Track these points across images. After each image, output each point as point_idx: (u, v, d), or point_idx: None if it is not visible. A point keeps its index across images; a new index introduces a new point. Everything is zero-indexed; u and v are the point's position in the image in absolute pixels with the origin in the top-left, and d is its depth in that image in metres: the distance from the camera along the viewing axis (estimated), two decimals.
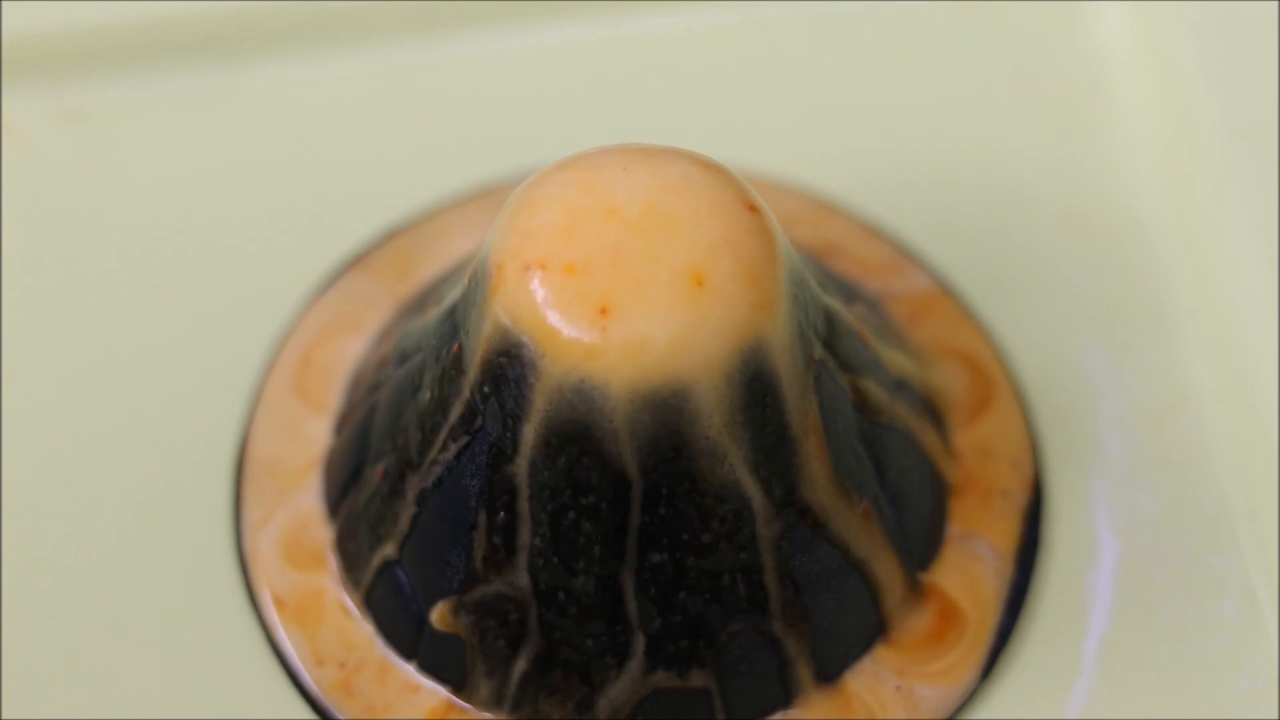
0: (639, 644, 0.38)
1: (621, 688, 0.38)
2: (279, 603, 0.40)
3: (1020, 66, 0.47)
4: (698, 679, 0.38)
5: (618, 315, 0.35)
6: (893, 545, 0.39)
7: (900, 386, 0.41)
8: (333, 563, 0.41)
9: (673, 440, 0.35)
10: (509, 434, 0.36)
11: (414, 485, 0.38)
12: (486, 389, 0.36)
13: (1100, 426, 0.42)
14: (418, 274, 0.44)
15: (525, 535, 0.37)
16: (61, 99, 0.47)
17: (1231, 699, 0.40)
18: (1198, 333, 0.43)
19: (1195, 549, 0.41)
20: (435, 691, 0.39)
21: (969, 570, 0.40)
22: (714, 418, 0.35)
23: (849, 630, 0.39)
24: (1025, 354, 0.43)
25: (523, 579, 0.37)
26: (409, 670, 0.39)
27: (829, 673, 0.39)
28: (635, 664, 0.38)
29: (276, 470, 0.42)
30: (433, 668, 0.39)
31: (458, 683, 0.39)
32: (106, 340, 0.44)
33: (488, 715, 0.39)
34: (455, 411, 0.37)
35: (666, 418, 0.35)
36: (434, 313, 0.39)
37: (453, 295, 0.38)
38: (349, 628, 0.40)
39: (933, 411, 0.42)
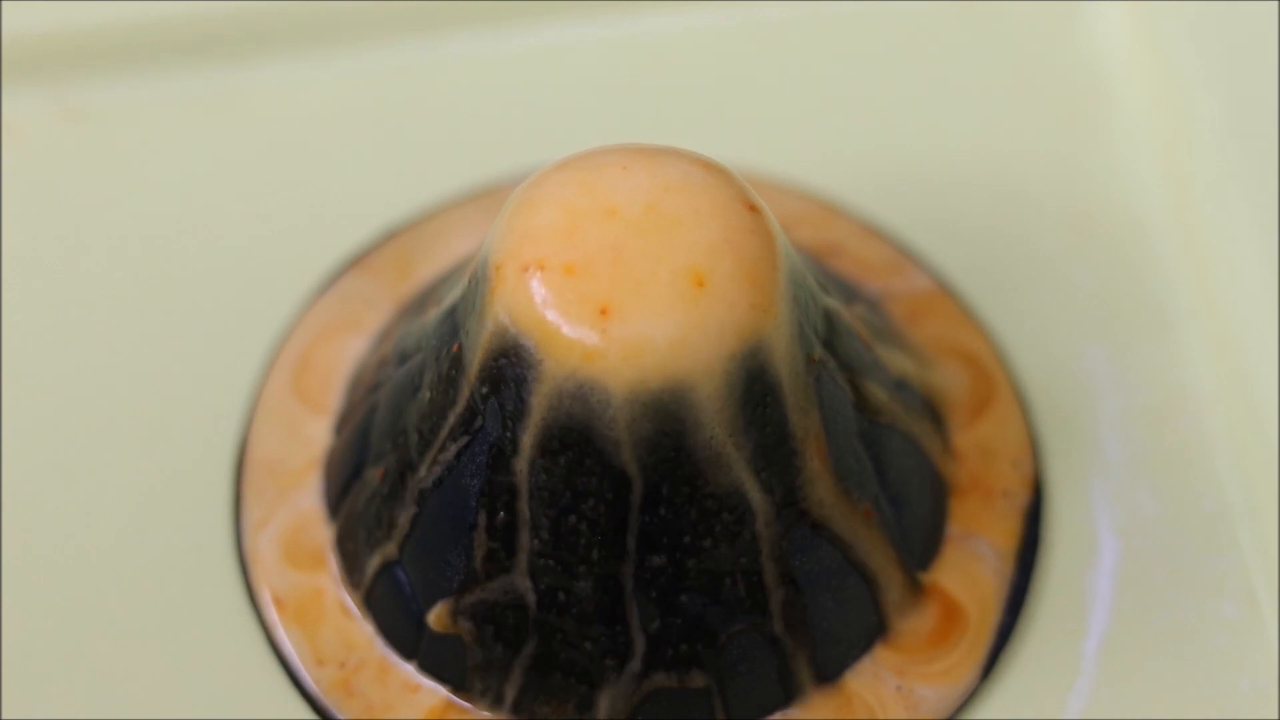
0: (639, 644, 0.38)
1: (621, 688, 0.38)
2: (279, 603, 0.40)
3: (1020, 66, 0.47)
4: (698, 679, 0.38)
5: (618, 316, 0.35)
6: (893, 545, 0.39)
7: (900, 386, 0.41)
8: (333, 563, 0.41)
9: (673, 441, 0.35)
10: (509, 434, 0.36)
11: (414, 485, 0.38)
12: (486, 389, 0.36)
13: (1100, 426, 0.42)
14: (418, 274, 0.44)
15: (525, 535, 0.37)
16: (61, 99, 0.47)
17: (1231, 699, 0.40)
18: (1198, 333, 0.43)
19: (1195, 549, 0.41)
20: (435, 691, 0.39)
21: (969, 570, 0.40)
22: (714, 418, 0.35)
23: (849, 630, 0.39)
24: (1025, 354, 0.43)
25: (523, 579, 0.37)
26: (409, 670, 0.39)
27: (829, 673, 0.39)
28: (635, 664, 0.38)
29: (276, 470, 0.42)
30: (432, 668, 0.39)
31: (457, 683, 0.39)
32: (106, 340, 0.44)
33: (487, 715, 0.39)
34: (455, 412, 0.37)
35: (666, 418, 0.35)
36: (434, 313, 0.39)
37: (453, 295, 0.38)
38: (349, 628, 0.40)
39: (933, 411, 0.42)
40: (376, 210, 0.45)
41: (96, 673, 0.40)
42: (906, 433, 0.40)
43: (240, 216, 0.45)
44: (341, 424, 0.42)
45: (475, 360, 0.36)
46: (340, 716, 0.39)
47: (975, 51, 0.48)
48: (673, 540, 0.36)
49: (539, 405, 0.35)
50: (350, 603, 0.40)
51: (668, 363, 0.35)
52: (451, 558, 0.38)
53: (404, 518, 0.38)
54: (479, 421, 0.37)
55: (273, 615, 0.40)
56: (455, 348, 0.37)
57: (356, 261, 0.44)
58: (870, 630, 0.39)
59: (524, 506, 0.37)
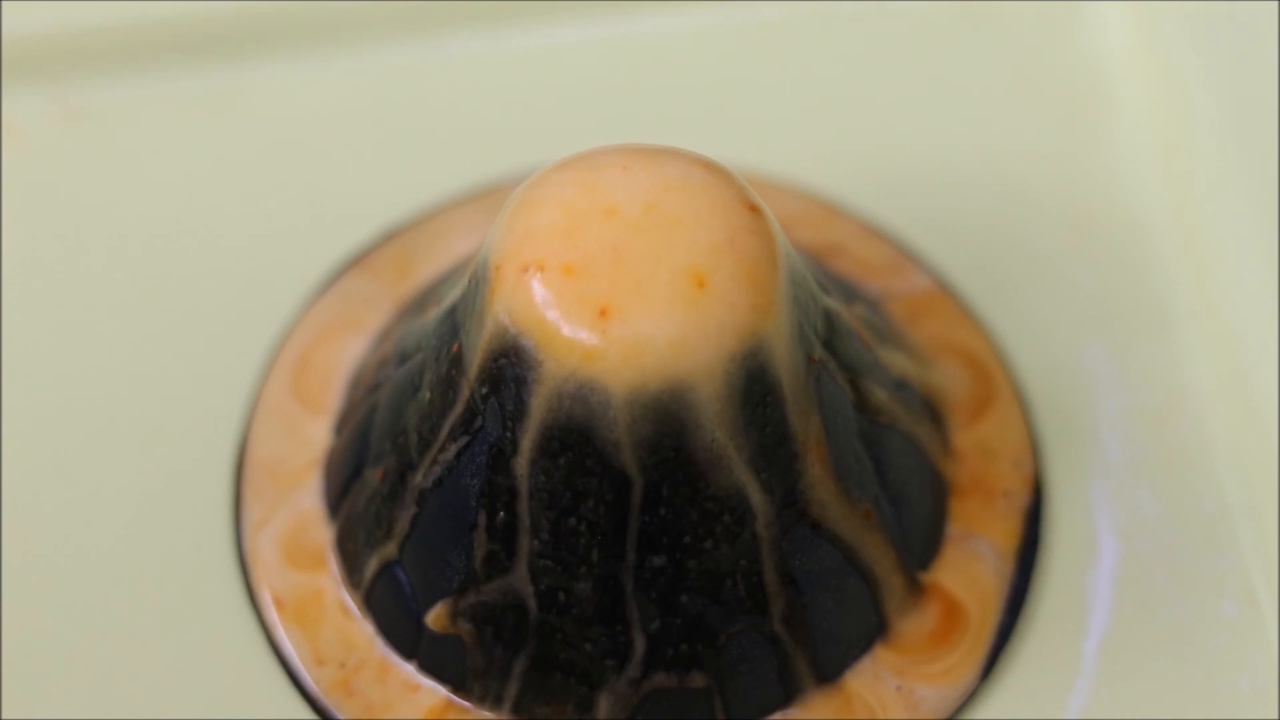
0: (639, 644, 0.38)
1: (621, 688, 0.38)
2: (279, 603, 0.40)
3: (1020, 66, 0.47)
4: (698, 679, 0.38)
5: (618, 317, 0.35)
6: (893, 545, 0.39)
7: (900, 386, 0.41)
8: (333, 563, 0.41)
9: (673, 441, 0.35)
10: (509, 434, 0.36)
11: (414, 485, 0.38)
12: (486, 389, 0.36)
13: (1100, 426, 0.42)
14: (418, 274, 0.44)
15: (525, 535, 0.37)
16: (61, 99, 0.47)
17: (1231, 699, 0.40)
18: (1198, 333, 0.43)
19: (1195, 549, 0.41)
20: (435, 691, 0.39)
21: (970, 569, 0.40)
22: (714, 419, 0.35)
23: (849, 630, 0.39)
24: (1025, 354, 0.43)
25: (523, 579, 0.37)
26: (409, 670, 0.39)
27: (829, 673, 0.39)
28: (635, 664, 0.38)
29: (276, 470, 0.42)
30: (432, 668, 0.39)
31: (457, 683, 0.39)
32: (106, 340, 0.44)
33: (487, 715, 0.39)
34: (455, 412, 0.37)
35: (666, 419, 0.35)
36: (434, 313, 0.39)
37: (453, 295, 0.38)
38: (349, 628, 0.40)
39: (933, 412, 0.42)
40: (376, 210, 0.45)
41: (96, 673, 0.40)
42: (906, 433, 0.40)
43: (240, 216, 0.45)
44: (341, 424, 0.42)
45: (475, 360, 0.36)
46: (340, 716, 0.39)
47: (975, 51, 0.48)
48: (673, 541, 0.36)
49: (539, 406, 0.35)
50: (350, 603, 0.40)
51: (668, 363, 0.35)
52: (451, 558, 0.38)
53: (404, 518, 0.38)
54: (479, 422, 0.37)
55: (273, 615, 0.40)
56: (455, 348, 0.37)
57: (356, 261, 0.44)
58: (870, 630, 0.39)
59: (524, 507, 0.37)
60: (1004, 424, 0.42)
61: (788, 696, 0.39)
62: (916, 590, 0.40)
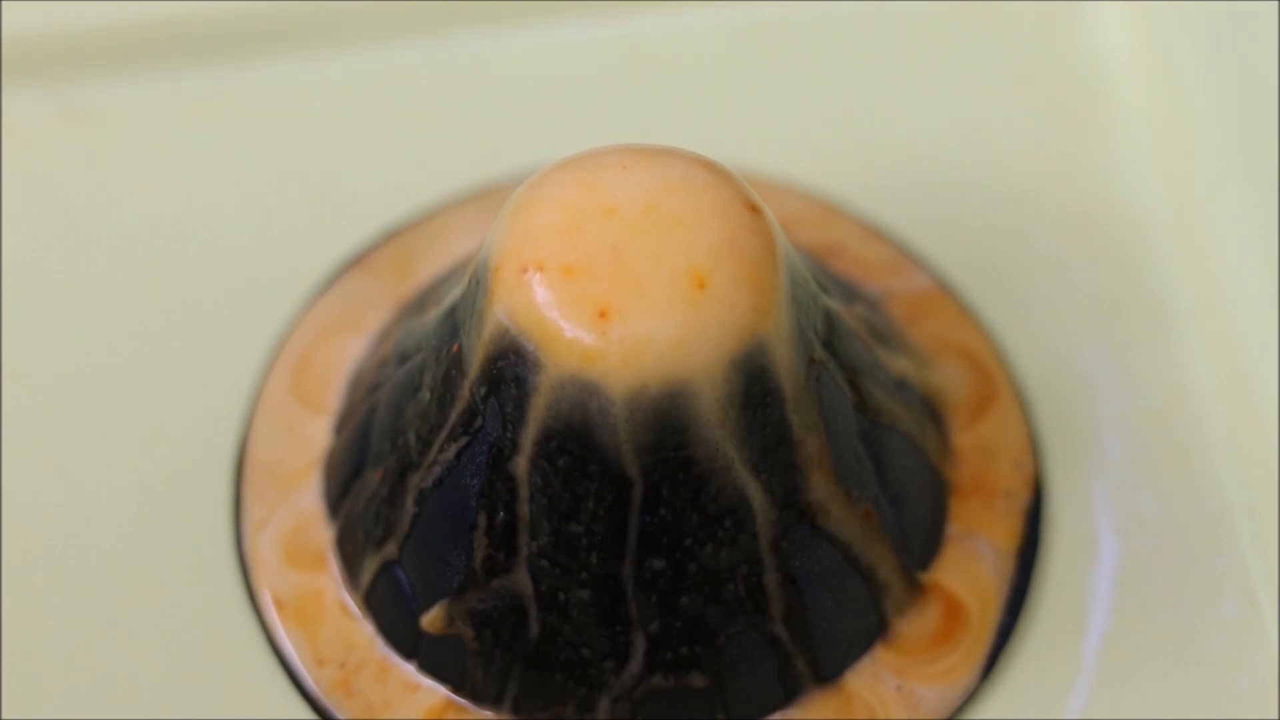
0: (639, 644, 0.38)
1: (622, 688, 0.38)
2: (279, 603, 0.40)
3: (1020, 66, 0.47)
4: (698, 679, 0.38)
5: (618, 317, 0.35)
6: (893, 545, 0.39)
7: (900, 387, 0.41)
8: (333, 563, 0.41)
9: (673, 441, 0.35)
10: (509, 434, 0.36)
11: (414, 485, 0.38)
12: (486, 390, 0.36)
13: (1100, 426, 0.42)
14: (418, 274, 0.44)
15: (525, 536, 0.37)
16: (61, 99, 0.47)
17: (1231, 699, 0.40)
18: (1198, 333, 0.43)
19: (1195, 549, 0.41)
20: (435, 691, 0.39)
21: (970, 569, 0.40)
22: (714, 419, 0.35)
23: (849, 630, 0.39)
24: (1025, 354, 0.43)
25: (523, 579, 0.37)
26: (409, 670, 0.39)
27: (829, 673, 0.39)
28: (635, 664, 0.38)
29: (276, 471, 0.42)
30: (432, 668, 0.39)
31: (457, 683, 0.39)
32: (106, 340, 0.44)
33: (487, 715, 0.39)
34: (455, 412, 0.37)
35: (667, 419, 0.35)
36: (434, 313, 0.39)
37: (453, 295, 0.38)
38: (349, 628, 0.40)
39: (933, 412, 0.42)
40: (376, 210, 0.45)
41: (96, 673, 0.40)
42: (906, 433, 0.40)
43: (240, 216, 0.45)
44: (341, 424, 0.42)
45: (475, 361, 0.36)
46: (340, 716, 0.39)
47: (975, 52, 0.48)
48: (673, 541, 0.36)
49: (539, 406, 0.35)
50: (350, 603, 0.40)
51: (668, 364, 0.35)
52: (451, 558, 0.38)
53: (404, 518, 0.38)
54: (479, 422, 0.37)
55: (273, 616, 0.40)
56: (455, 348, 0.37)
57: (357, 261, 0.44)
58: (870, 630, 0.39)
59: (524, 507, 0.37)
60: (1004, 424, 0.42)
61: (788, 697, 0.39)
62: (916, 590, 0.40)
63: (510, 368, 0.35)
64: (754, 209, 0.36)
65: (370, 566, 0.39)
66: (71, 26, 0.47)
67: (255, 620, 0.40)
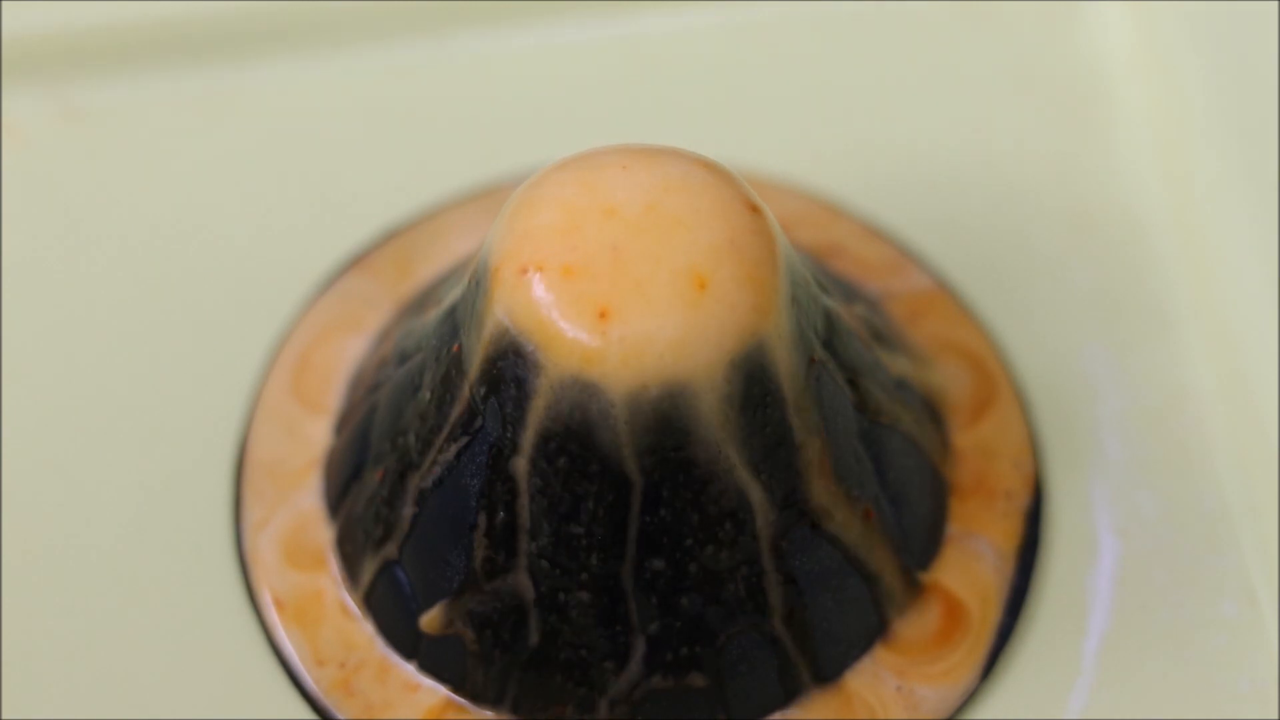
0: (639, 644, 0.38)
1: (622, 688, 0.38)
2: (279, 603, 0.40)
3: (1020, 66, 0.47)
4: (698, 679, 0.38)
5: (618, 318, 0.35)
6: (892, 545, 0.39)
7: (900, 387, 0.41)
8: (333, 563, 0.41)
9: (673, 441, 0.35)
10: (509, 434, 0.36)
11: (414, 485, 0.38)
12: (486, 390, 0.36)
13: (1100, 426, 0.42)
14: (418, 274, 0.44)
15: (525, 536, 0.37)
16: (61, 99, 0.47)
17: (1231, 699, 0.40)
18: (1198, 333, 0.43)
19: (1195, 549, 0.41)
20: (435, 691, 0.39)
21: (970, 569, 0.40)
22: (714, 419, 0.35)
23: (849, 630, 0.39)
24: (1025, 354, 0.43)
25: (523, 579, 0.37)
26: (409, 670, 0.39)
27: (829, 673, 0.39)
28: (635, 664, 0.38)
29: (276, 471, 0.42)
30: (432, 668, 0.39)
31: (457, 683, 0.39)
32: (106, 340, 0.44)
33: (487, 714, 0.39)
34: (455, 412, 0.37)
35: (667, 419, 0.35)
36: (434, 313, 0.39)
37: (453, 295, 0.38)
38: (349, 628, 0.40)
39: (932, 412, 0.42)
40: (376, 210, 0.45)
41: (96, 673, 0.40)
42: (906, 433, 0.40)
43: (240, 216, 0.45)
44: (341, 424, 0.42)
45: (475, 361, 0.36)
46: (340, 716, 0.39)
47: (975, 51, 0.47)
48: (673, 541, 0.36)
49: (539, 406, 0.35)
50: (350, 603, 0.40)
51: (668, 365, 0.35)
52: (451, 558, 0.38)
53: (404, 518, 0.38)
54: (479, 422, 0.37)
55: (273, 616, 0.40)
56: (455, 348, 0.37)
57: (356, 261, 0.44)
58: (870, 630, 0.39)
59: (524, 507, 0.37)
60: (1004, 424, 0.42)
61: (788, 696, 0.39)
62: (916, 590, 0.40)
63: (510, 368, 0.35)
64: (754, 209, 0.36)
65: (370, 566, 0.39)
66: (71, 26, 0.47)
67: (255, 620, 0.40)
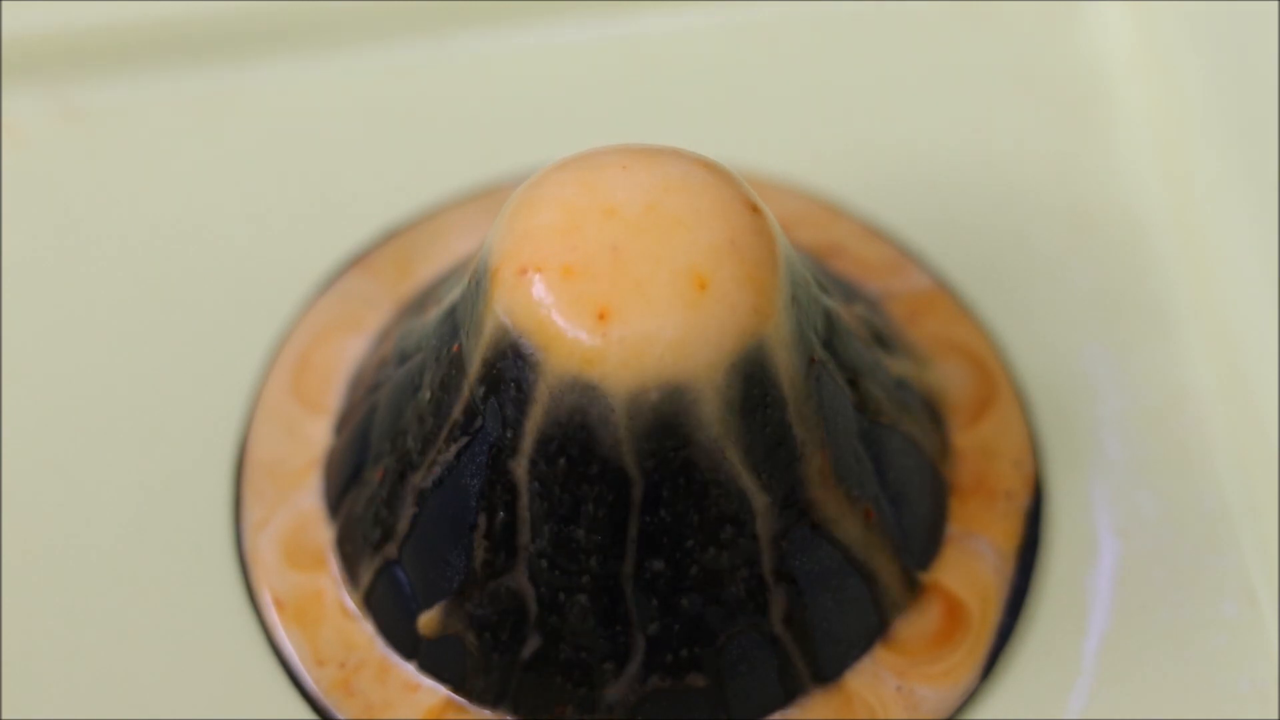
0: (639, 644, 0.38)
1: (622, 688, 0.38)
2: (279, 603, 0.40)
3: (1020, 66, 0.47)
4: (698, 679, 0.38)
5: (618, 318, 0.35)
6: (893, 545, 0.39)
7: (900, 387, 0.41)
8: (333, 563, 0.41)
9: (673, 441, 0.35)
10: (509, 434, 0.36)
11: (414, 485, 0.38)
12: (486, 390, 0.36)
13: (1100, 426, 0.42)
14: (418, 274, 0.44)
15: (525, 536, 0.37)
16: (61, 99, 0.47)
17: (1231, 699, 0.40)
18: (1198, 333, 0.43)
19: (1195, 549, 0.41)
20: (435, 690, 0.39)
21: (970, 568, 0.40)
22: (714, 419, 0.35)
23: (849, 630, 0.39)
24: (1025, 354, 0.43)
25: (523, 579, 0.37)
26: (409, 670, 0.39)
27: (829, 673, 0.39)
28: (635, 664, 0.38)
29: (276, 471, 0.42)
30: (432, 668, 0.39)
31: (457, 683, 0.39)
32: (106, 340, 0.44)
33: (487, 714, 0.39)
34: (455, 412, 0.37)
35: (667, 419, 0.35)
36: (434, 313, 0.39)
37: (453, 296, 0.38)
38: (349, 628, 0.40)
39: (932, 412, 0.42)
40: (376, 210, 0.45)
41: (96, 673, 0.40)
42: (906, 433, 0.40)
43: (240, 216, 0.45)
44: (341, 424, 0.42)
45: (475, 361, 0.36)
46: (340, 716, 0.39)
47: (975, 51, 0.47)
48: (673, 541, 0.36)
49: (539, 406, 0.35)
50: (350, 603, 0.40)
51: (668, 365, 0.35)
52: (451, 558, 0.38)
53: (404, 518, 0.38)
54: (479, 422, 0.37)
55: (273, 616, 0.40)
56: (455, 348, 0.37)
57: (357, 261, 0.44)
58: (870, 630, 0.39)
59: (524, 507, 0.37)
60: (1005, 424, 0.42)
61: (788, 696, 0.39)
62: (916, 590, 0.40)
63: (510, 368, 0.35)
64: (754, 209, 0.36)
65: (370, 566, 0.39)
66: (71, 26, 0.47)
67: (255, 620, 0.40)
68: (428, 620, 0.38)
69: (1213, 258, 0.44)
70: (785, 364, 0.36)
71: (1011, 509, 0.41)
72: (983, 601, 0.40)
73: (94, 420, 0.43)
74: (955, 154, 0.46)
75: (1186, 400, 0.43)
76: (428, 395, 0.38)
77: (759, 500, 0.37)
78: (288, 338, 0.43)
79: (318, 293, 0.44)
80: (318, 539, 0.41)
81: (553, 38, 0.48)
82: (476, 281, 0.36)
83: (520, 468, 0.36)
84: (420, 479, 0.38)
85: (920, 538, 0.40)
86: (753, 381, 0.36)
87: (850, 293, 0.43)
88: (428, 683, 0.39)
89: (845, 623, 0.39)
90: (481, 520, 0.37)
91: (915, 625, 0.40)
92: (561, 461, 0.36)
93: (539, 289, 0.35)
